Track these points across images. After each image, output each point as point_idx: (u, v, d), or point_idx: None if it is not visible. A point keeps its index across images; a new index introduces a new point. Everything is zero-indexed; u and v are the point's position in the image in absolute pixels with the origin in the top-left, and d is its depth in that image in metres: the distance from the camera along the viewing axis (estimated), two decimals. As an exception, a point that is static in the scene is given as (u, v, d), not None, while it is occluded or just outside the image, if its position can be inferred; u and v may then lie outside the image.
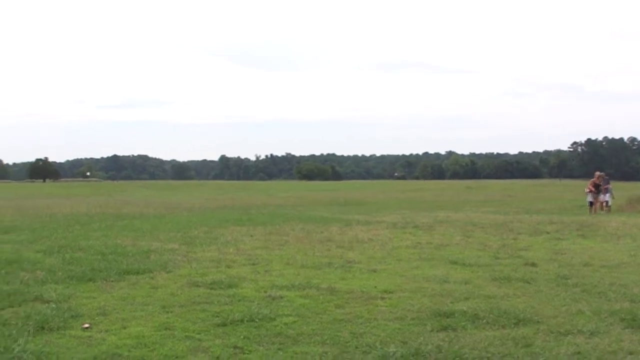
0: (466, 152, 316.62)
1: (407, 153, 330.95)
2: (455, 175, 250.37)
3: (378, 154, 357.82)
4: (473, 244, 17.56)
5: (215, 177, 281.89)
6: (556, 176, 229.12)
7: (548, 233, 20.89)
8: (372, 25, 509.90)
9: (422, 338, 7.61)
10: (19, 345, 7.20)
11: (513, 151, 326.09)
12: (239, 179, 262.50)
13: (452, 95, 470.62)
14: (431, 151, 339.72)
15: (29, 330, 7.90)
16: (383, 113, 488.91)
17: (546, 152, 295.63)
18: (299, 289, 10.75)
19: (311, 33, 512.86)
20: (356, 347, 7.32)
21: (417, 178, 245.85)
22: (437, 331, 8.01)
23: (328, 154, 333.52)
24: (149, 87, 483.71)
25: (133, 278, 11.87)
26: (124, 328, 8.21)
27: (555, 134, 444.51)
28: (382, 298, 10.06)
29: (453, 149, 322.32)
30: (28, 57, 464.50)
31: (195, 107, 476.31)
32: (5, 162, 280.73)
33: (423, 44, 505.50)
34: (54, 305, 9.32)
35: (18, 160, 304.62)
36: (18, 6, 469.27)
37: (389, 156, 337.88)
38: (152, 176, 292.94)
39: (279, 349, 7.28)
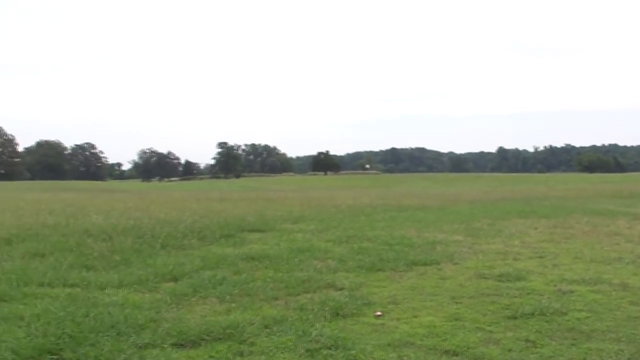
0: None
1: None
2: None
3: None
4: None
5: (493, 170, 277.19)
6: None
7: None
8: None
9: None
10: (316, 329, 7.52)
11: None
12: (516, 171, 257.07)
13: None
14: None
15: (325, 316, 8.23)
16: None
17: None
18: (590, 284, 10.42)
19: (591, 19, 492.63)
20: (654, 347, 6.99)
21: None
22: None
23: (610, 145, 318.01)
24: (426, 81, 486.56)
25: (421, 269, 12.02)
26: (415, 317, 8.34)
27: None
28: (681, 296, 9.51)
29: None
30: (313, 56, 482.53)
31: (472, 99, 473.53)
32: (288, 155, 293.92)
33: None
34: (346, 293, 9.62)
35: (301, 154, 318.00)
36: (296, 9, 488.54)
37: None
38: (430, 168, 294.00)
39: (572, 345, 7.12)
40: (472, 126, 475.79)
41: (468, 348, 6.97)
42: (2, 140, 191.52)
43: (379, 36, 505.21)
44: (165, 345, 7.01)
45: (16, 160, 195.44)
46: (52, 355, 6.69)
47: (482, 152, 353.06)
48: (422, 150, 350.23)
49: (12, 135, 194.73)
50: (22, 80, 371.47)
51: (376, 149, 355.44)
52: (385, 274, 11.50)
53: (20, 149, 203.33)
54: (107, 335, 7.24)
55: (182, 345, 7.09)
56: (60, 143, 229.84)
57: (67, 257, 12.70)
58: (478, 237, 17.08)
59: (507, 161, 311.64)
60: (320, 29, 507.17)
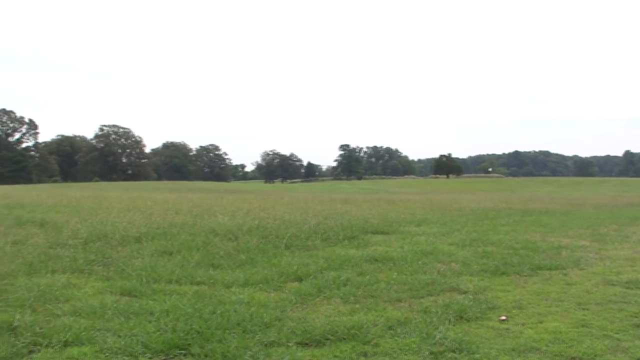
0: None
1: None
2: None
3: None
4: None
5: (619, 174, 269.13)
6: None
7: None
8: None
9: None
10: (440, 332, 7.53)
11: None
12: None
13: None
14: None
15: (449, 319, 8.21)
16: None
17: None
18: None
19: None
20: None
21: None
22: None
23: None
24: (551, 83, 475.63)
25: (546, 273, 11.83)
26: (540, 322, 8.23)
27: None
28: None
29: None
30: (435, 58, 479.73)
31: (598, 101, 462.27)
32: (410, 158, 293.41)
33: None
34: (471, 297, 9.58)
35: (423, 157, 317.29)
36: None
37: None
38: (553, 172, 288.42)
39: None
40: (598, 129, 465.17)
41: (595, 356, 6.86)
42: (130, 141, 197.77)
43: (503, 38, 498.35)
44: (290, 344, 7.15)
45: (143, 161, 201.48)
46: (180, 350, 6.92)
47: (608, 156, 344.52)
48: (546, 153, 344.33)
49: (139, 137, 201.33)
50: (149, 85, 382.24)
51: (499, 152, 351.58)
52: (510, 278, 11.38)
53: (147, 150, 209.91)
54: (234, 333, 7.45)
55: (306, 344, 7.21)
56: (186, 144, 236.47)
57: (194, 255, 13.01)
58: (605, 243, 16.65)
59: (634, 165, 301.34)
60: (444, 31, 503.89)
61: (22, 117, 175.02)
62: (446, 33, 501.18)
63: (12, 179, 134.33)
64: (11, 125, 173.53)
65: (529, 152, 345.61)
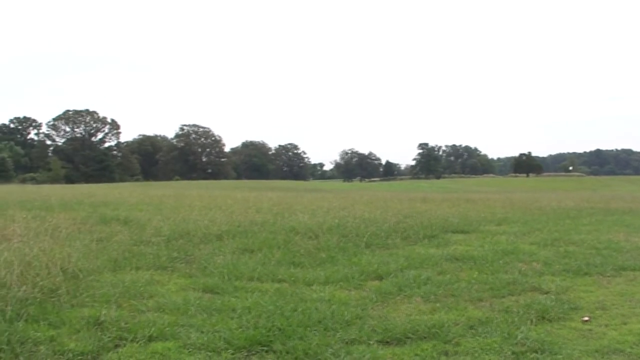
0: None
1: None
2: None
3: None
4: None
5: None
6: None
7: None
8: None
9: None
10: (521, 332, 7.49)
11: None
12: None
13: None
14: None
15: (531, 319, 8.15)
16: None
17: None
18: None
19: None
20: None
21: None
22: None
23: None
24: (631, 79, 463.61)
25: (630, 274, 11.61)
26: (624, 324, 8.11)
27: None
28: None
29: None
30: (513, 56, 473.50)
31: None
32: (490, 157, 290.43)
33: None
34: (552, 297, 9.45)
35: (502, 155, 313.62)
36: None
37: None
38: (636, 171, 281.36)
39: None
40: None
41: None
42: (210, 141, 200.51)
43: (586, 34, 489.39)
44: (371, 342, 7.19)
45: (223, 160, 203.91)
46: (262, 346, 7.03)
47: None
48: (628, 151, 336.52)
49: (219, 136, 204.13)
50: (229, 84, 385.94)
51: (580, 150, 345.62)
52: (592, 278, 11.20)
53: (226, 149, 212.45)
54: (315, 330, 7.53)
55: (387, 342, 7.26)
56: (265, 144, 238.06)
57: (275, 253, 13.13)
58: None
59: None
60: (524, 28, 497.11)
61: (104, 117, 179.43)
62: (525, 30, 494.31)
63: (95, 178, 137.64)
64: (94, 125, 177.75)
65: (611, 150, 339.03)
